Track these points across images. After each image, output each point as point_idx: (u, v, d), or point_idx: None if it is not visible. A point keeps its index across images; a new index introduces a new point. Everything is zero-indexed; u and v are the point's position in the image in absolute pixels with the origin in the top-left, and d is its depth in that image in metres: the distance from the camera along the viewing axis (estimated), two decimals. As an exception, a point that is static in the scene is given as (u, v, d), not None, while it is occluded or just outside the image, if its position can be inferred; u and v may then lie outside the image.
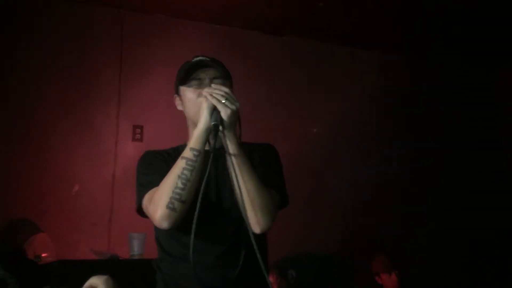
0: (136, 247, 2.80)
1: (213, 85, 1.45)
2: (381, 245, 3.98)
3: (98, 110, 3.58)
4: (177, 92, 1.64)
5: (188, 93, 1.56)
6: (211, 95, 1.40)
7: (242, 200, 1.37)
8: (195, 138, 1.41)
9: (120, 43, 3.71)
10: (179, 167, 1.38)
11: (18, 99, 3.38)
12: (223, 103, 1.38)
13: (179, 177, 1.36)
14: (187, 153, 1.40)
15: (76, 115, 3.51)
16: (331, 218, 4.04)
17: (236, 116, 1.41)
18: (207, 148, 1.44)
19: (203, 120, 1.41)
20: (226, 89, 1.42)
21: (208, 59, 1.57)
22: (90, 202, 3.39)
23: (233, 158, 1.39)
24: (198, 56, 1.60)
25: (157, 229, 1.56)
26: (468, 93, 4.89)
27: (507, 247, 4.41)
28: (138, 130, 3.65)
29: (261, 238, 1.52)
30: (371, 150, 4.36)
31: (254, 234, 1.36)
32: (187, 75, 1.56)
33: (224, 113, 1.38)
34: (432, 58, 4.74)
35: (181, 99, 1.62)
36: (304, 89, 4.27)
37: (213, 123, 1.39)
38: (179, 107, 1.64)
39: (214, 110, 1.40)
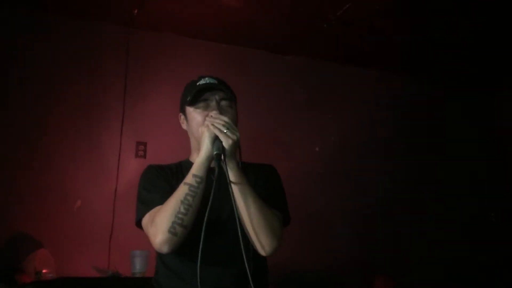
0: (138, 265, 2.78)
1: (213, 114, 1.49)
2: (382, 265, 3.95)
3: (102, 126, 3.59)
4: (182, 111, 1.66)
5: (194, 114, 1.59)
6: (212, 124, 1.44)
7: (246, 227, 1.40)
8: (198, 165, 1.44)
9: (125, 59, 3.73)
10: (182, 192, 1.40)
11: (22, 115, 3.39)
12: (225, 133, 1.41)
13: (182, 202, 1.39)
14: (190, 179, 1.42)
15: (79, 130, 3.51)
16: (332, 238, 4.01)
17: (237, 145, 1.44)
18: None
19: (204, 149, 1.44)
20: (227, 119, 1.45)
21: (215, 81, 1.60)
22: (91, 218, 3.38)
23: (234, 186, 1.42)
24: (204, 77, 1.63)
25: None
26: (468, 111, 4.90)
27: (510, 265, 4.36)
28: (142, 147, 3.66)
29: (261, 260, 1.54)
30: (373, 169, 4.35)
31: (255, 256, 1.39)
32: (195, 97, 1.59)
33: (226, 143, 1.41)
34: (433, 77, 4.77)
35: (186, 119, 1.64)
36: (307, 108, 4.28)
37: (215, 152, 1.41)
38: (184, 126, 1.67)
39: (215, 140, 1.43)
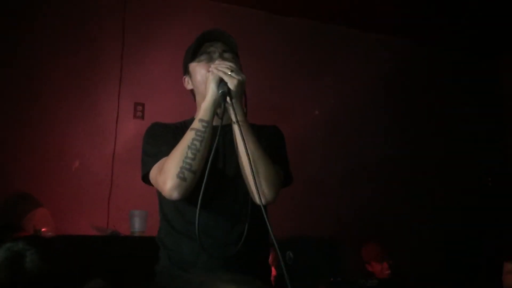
0: (137, 224, 2.80)
1: (217, 61, 1.48)
2: (376, 231, 3.99)
3: (99, 87, 3.56)
4: (185, 72, 1.64)
5: (198, 68, 1.57)
6: (216, 68, 1.43)
7: (249, 170, 1.38)
8: (204, 109, 1.43)
9: (122, 20, 3.66)
10: (189, 137, 1.40)
11: (21, 76, 3.35)
12: (229, 74, 1.41)
13: (189, 147, 1.38)
14: (196, 124, 1.42)
15: (77, 91, 3.48)
16: (330, 201, 4.05)
17: (242, 86, 1.43)
18: (215, 124, 1.44)
19: (210, 92, 1.43)
20: (231, 63, 1.45)
21: (217, 30, 1.58)
22: (90, 179, 3.39)
23: (240, 127, 1.41)
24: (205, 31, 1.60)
25: (163, 204, 1.57)
26: (472, 79, 4.86)
27: (499, 238, 4.39)
28: (140, 108, 3.64)
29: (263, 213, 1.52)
30: (372, 134, 4.35)
31: (258, 206, 1.37)
32: (196, 50, 1.57)
33: (231, 83, 1.40)
34: (438, 43, 4.71)
35: (190, 77, 1.62)
36: (308, 70, 4.24)
37: (221, 91, 1.41)
38: (189, 87, 1.65)
39: (221, 82, 1.42)
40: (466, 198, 4.46)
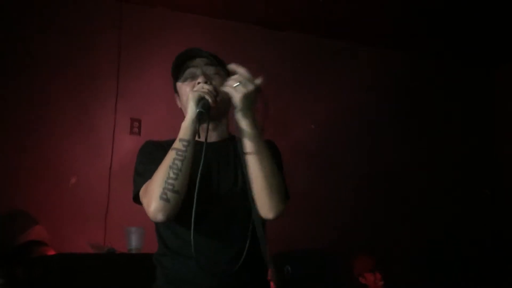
0: (134, 241, 2.79)
1: (200, 80, 1.48)
2: (373, 242, 3.98)
3: (96, 102, 3.56)
4: (175, 90, 1.64)
5: (183, 87, 1.57)
6: (202, 88, 1.43)
7: (262, 184, 1.40)
8: (183, 128, 1.42)
9: (119, 35, 3.68)
10: (170, 157, 1.39)
11: (17, 91, 3.35)
12: (235, 86, 1.41)
13: (170, 167, 1.37)
14: (177, 144, 1.40)
15: (74, 107, 3.49)
16: (326, 214, 4.04)
17: (249, 98, 1.43)
18: (201, 140, 1.42)
19: (189, 111, 1.42)
20: (209, 86, 1.44)
21: (194, 49, 1.55)
22: (87, 195, 3.38)
23: (248, 143, 1.41)
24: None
25: (158, 223, 1.55)
26: (466, 91, 4.88)
27: (493, 248, 4.38)
28: (136, 123, 3.64)
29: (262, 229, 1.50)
30: (369, 147, 4.36)
31: (257, 221, 1.40)
32: (177, 69, 1.56)
33: (236, 96, 1.40)
34: (433, 56, 4.74)
35: (179, 96, 1.62)
36: (303, 84, 4.26)
37: (198, 110, 1.39)
38: (179, 105, 1.65)
39: (201, 100, 1.41)
40: (463, 209, 4.46)
